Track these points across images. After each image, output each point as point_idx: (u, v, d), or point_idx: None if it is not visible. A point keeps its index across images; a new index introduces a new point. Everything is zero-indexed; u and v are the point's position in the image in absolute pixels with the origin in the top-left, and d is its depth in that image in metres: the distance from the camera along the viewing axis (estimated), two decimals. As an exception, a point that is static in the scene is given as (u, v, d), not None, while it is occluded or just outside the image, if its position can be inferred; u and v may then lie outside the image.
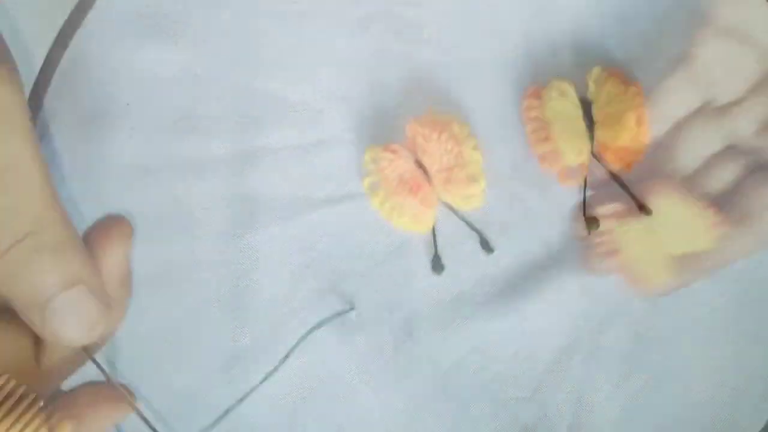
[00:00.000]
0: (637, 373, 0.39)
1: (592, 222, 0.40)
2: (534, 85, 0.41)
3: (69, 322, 0.28)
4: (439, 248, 0.40)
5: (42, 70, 0.42)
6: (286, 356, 0.39)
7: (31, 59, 0.41)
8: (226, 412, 0.39)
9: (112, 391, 0.31)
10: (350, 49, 0.42)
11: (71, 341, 0.28)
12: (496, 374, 0.39)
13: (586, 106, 0.40)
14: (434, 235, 0.40)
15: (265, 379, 0.39)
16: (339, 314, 0.39)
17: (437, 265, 0.40)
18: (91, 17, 0.41)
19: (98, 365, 0.30)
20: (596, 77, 0.41)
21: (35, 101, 0.42)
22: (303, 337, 0.39)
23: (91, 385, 0.31)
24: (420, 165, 0.40)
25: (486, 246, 0.40)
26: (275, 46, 0.42)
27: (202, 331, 0.40)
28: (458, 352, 0.39)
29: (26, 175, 0.27)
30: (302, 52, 0.42)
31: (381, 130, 0.42)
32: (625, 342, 0.39)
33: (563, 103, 0.40)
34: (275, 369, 0.39)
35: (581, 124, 0.40)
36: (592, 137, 0.40)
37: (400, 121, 0.41)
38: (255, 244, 0.40)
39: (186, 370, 0.39)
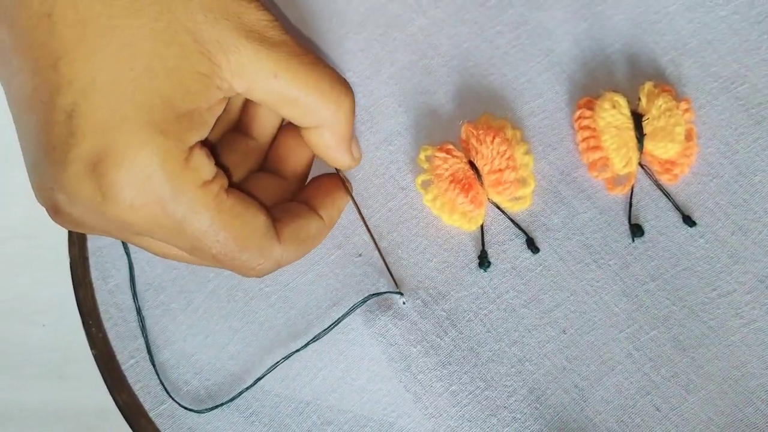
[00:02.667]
0: (676, 375, 0.40)
1: (636, 229, 0.42)
2: (587, 96, 0.43)
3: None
4: (486, 245, 0.42)
5: None
6: (317, 337, 0.41)
7: None
8: (249, 386, 0.41)
9: (335, 179, 0.41)
10: (411, 54, 0.45)
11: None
12: (536, 367, 0.41)
13: (637, 118, 0.42)
14: (482, 233, 0.42)
15: (289, 356, 0.41)
16: (386, 293, 0.41)
17: (484, 261, 0.42)
18: None
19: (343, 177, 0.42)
20: (648, 92, 0.42)
21: None
22: (345, 315, 0.41)
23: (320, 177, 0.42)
24: (472, 165, 0.42)
25: (532, 246, 0.42)
26: (340, 47, 0.45)
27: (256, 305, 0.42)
28: (499, 345, 0.41)
29: None
30: (365, 53, 0.45)
31: (436, 130, 0.44)
32: (665, 345, 0.40)
33: (615, 115, 0.42)
34: (305, 345, 0.41)
35: (631, 136, 0.41)
36: (641, 148, 0.41)
37: (455, 122, 0.44)
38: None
39: (239, 339, 0.42)
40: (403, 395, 0.41)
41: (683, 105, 0.42)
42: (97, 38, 0.32)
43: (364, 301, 0.41)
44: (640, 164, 0.42)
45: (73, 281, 0.44)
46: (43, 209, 0.36)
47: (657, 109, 0.42)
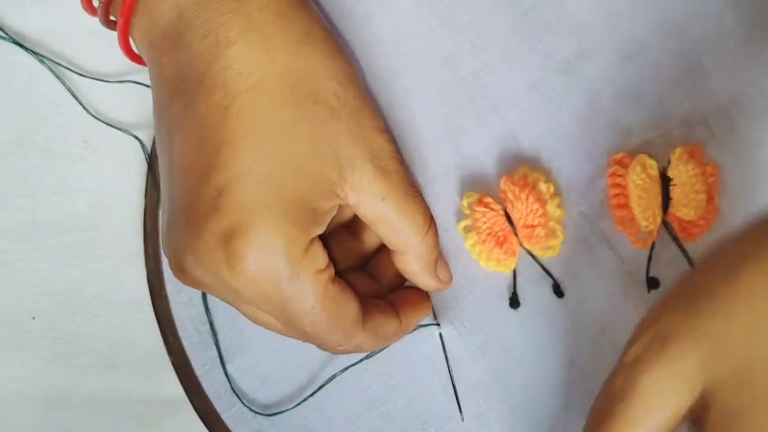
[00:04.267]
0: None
1: (652, 281, 0.47)
2: (621, 152, 0.47)
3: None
4: (517, 287, 0.47)
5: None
6: (369, 355, 0.47)
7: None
8: (310, 395, 0.48)
9: (421, 294, 0.47)
10: (462, 95, 0.48)
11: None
12: (554, 400, 0.47)
13: (665, 181, 0.45)
14: (514, 277, 0.47)
15: (345, 369, 0.48)
16: (428, 325, 0.47)
17: (514, 302, 0.47)
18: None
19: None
20: (678, 156, 0.46)
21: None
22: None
23: (410, 289, 0.47)
24: (508, 215, 0.46)
25: (557, 291, 0.47)
26: (396, 83, 0.48)
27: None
28: (523, 377, 0.47)
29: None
30: (419, 91, 0.48)
31: (479, 174, 0.48)
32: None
33: (644, 178, 0.45)
34: (359, 361, 0.48)
35: (658, 199, 0.46)
36: (665, 210, 0.46)
37: (496, 168, 0.48)
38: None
39: (301, 355, 0.48)
40: (440, 413, 0.47)
41: (709, 169, 0.46)
42: (262, 135, 0.38)
43: (413, 330, 0.47)
44: (664, 223, 0.46)
45: (150, 293, 0.49)
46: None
47: (684, 175, 0.45)
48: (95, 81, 0.50)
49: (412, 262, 0.44)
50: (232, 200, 0.37)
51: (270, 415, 0.48)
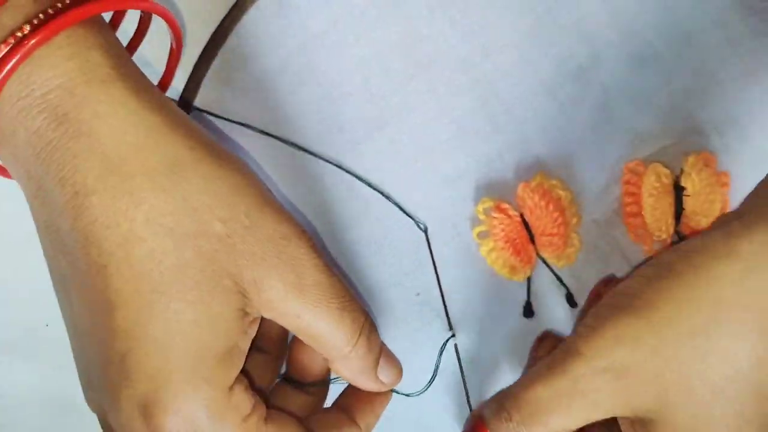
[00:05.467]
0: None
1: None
2: (634, 160, 0.47)
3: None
4: (531, 296, 0.47)
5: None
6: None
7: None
8: None
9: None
10: (475, 98, 0.47)
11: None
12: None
13: (678, 191, 0.46)
14: (528, 285, 0.47)
15: None
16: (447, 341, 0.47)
17: (528, 310, 0.47)
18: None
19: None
20: (692, 164, 0.46)
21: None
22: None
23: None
24: (525, 221, 0.46)
25: (570, 300, 0.47)
26: (408, 86, 0.47)
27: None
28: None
29: None
30: (431, 94, 0.47)
31: (493, 178, 0.47)
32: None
33: (658, 188, 0.45)
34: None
35: (671, 207, 0.46)
36: (678, 219, 0.46)
37: (511, 173, 0.47)
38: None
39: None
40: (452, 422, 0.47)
41: (722, 178, 0.46)
42: (149, 294, 0.34)
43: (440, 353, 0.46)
44: (676, 231, 0.47)
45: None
46: None
47: (698, 184, 0.46)
48: None
49: (344, 371, 0.40)
50: (138, 367, 0.34)
51: None
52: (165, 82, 0.44)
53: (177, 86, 0.46)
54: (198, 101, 0.47)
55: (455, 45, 0.48)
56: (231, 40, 0.47)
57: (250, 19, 0.47)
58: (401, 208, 0.47)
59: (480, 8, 0.48)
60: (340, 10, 0.47)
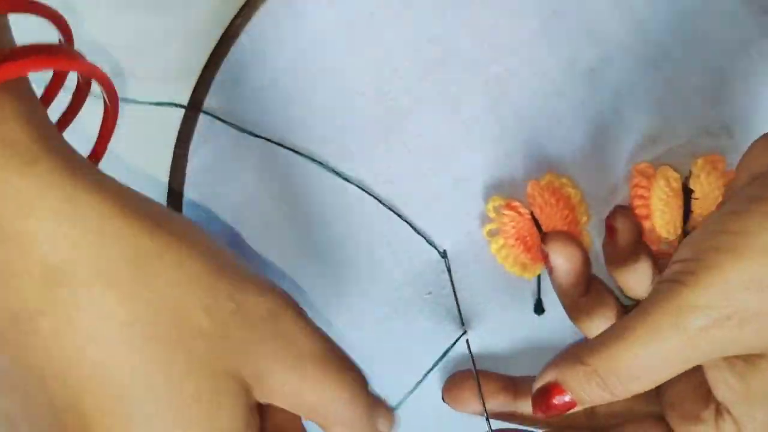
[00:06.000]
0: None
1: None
2: (643, 161, 0.47)
3: None
4: (542, 293, 0.48)
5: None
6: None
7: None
8: None
9: None
10: (485, 100, 0.48)
11: None
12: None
13: (687, 193, 0.46)
14: (539, 282, 0.48)
15: None
16: (456, 342, 0.47)
17: (539, 307, 0.48)
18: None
19: None
20: (700, 167, 0.46)
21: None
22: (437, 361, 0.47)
23: None
24: (535, 219, 0.47)
25: (581, 297, 0.48)
26: (419, 86, 0.48)
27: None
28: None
29: None
30: (442, 95, 0.48)
31: (503, 178, 0.48)
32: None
33: (667, 191, 0.46)
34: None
35: (679, 210, 0.46)
36: (686, 221, 0.46)
37: (520, 172, 0.48)
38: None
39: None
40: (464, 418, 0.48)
41: (731, 178, 0.46)
42: (144, 427, 0.30)
43: (444, 355, 0.47)
44: (684, 233, 0.47)
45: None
46: None
47: (706, 187, 0.46)
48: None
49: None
50: None
51: None
52: (97, 153, 0.35)
53: (185, 88, 0.47)
54: (206, 103, 0.48)
55: (464, 46, 0.48)
56: (241, 40, 0.48)
57: (259, 20, 0.48)
58: (419, 232, 0.48)
59: (490, 9, 0.48)
60: (349, 10, 0.48)
